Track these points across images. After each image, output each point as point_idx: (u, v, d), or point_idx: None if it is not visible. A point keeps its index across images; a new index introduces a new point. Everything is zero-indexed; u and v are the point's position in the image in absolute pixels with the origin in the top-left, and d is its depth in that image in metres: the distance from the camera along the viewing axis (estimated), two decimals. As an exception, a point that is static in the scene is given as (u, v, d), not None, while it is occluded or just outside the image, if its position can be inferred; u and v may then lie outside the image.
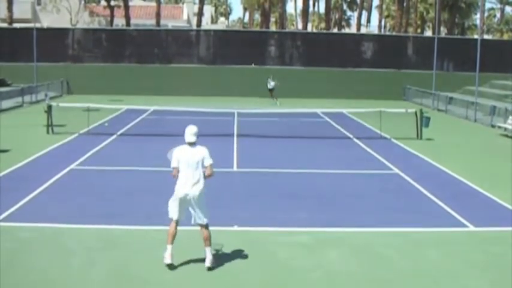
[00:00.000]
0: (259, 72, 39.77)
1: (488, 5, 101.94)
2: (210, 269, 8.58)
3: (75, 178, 14.66)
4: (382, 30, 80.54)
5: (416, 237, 10.54)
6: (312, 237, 10.33)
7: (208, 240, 8.72)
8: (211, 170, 8.80)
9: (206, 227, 8.76)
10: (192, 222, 8.78)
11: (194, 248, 9.58)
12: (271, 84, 35.11)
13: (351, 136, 22.51)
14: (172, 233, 8.74)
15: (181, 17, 67.43)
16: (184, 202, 8.71)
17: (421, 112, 22.36)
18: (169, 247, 8.68)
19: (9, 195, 12.45)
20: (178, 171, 8.73)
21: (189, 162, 8.65)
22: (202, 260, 8.92)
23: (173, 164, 8.76)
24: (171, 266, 8.62)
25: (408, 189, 14.22)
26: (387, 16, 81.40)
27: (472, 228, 11.09)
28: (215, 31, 47.71)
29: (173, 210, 8.85)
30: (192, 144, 8.75)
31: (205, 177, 8.77)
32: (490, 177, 15.65)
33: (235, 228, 10.70)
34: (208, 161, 8.76)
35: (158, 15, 51.79)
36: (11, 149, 17.98)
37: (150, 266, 8.78)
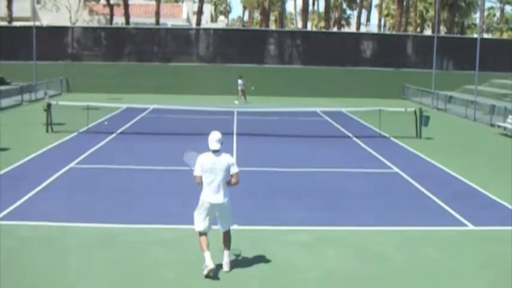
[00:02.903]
0: (259, 71, 39.81)
1: (487, 4, 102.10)
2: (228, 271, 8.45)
3: (74, 176, 14.66)
4: (382, 29, 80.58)
5: (415, 236, 10.55)
6: (311, 236, 10.33)
7: (228, 244, 8.60)
8: (236, 179, 8.55)
9: (228, 231, 8.66)
10: (218, 227, 8.66)
11: (194, 247, 9.59)
12: (241, 84, 34.59)
13: (350, 135, 22.52)
14: (204, 243, 8.51)
15: (180, 16, 67.36)
16: (211, 211, 8.52)
17: (421, 111, 22.36)
18: (206, 254, 8.38)
19: (9, 194, 12.44)
20: (201, 180, 8.48)
21: (214, 170, 8.39)
22: (202, 259, 8.92)
23: (196, 173, 8.50)
24: (213, 271, 8.30)
25: (407, 188, 14.22)
26: (387, 15, 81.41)
27: (471, 227, 11.09)
28: (215, 30, 47.71)
29: (199, 223, 8.63)
30: (216, 151, 8.44)
31: (229, 185, 8.57)
32: (489, 176, 15.66)
33: (235, 227, 10.66)
34: (235, 169, 8.52)
35: (158, 13, 51.73)
36: (10, 147, 17.97)
37: (149, 265, 8.78)
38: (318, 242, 10.08)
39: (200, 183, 8.50)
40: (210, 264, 8.27)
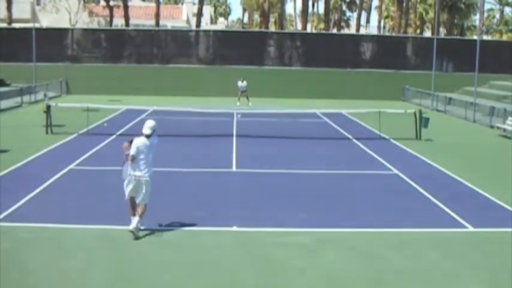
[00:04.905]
0: (259, 73, 39.80)
1: (487, 6, 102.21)
2: (131, 232, 9.93)
3: (74, 178, 14.66)
4: (382, 30, 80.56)
5: (415, 237, 10.55)
6: (310, 238, 10.33)
7: (142, 214, 10.18)
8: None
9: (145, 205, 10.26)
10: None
11: (193, 248, 9.60)
12: (242, 86, 34.37)
13: (350, 137, 22.51)
14: (133, 207, 10.33)
15: (180, 18, 67.43)
16: (137, 184, 10.19)
17: (420, 113, 22.37)
18: (134, 218, 10.14)
19: (9, 195, 12.44)
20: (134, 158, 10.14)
21: (144, 151, 10.19)
22: (201, 261, 8.95)
23: (132, 152, 10.13)
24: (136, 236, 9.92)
25: (407, 189, 14.22)
26: (386, 17, 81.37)
27: (471, 229, 11.09)
28: (214, 31, 47.72)
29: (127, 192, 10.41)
30: (148, 136, 10.25)
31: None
32: (489, 178, 15.66)
33: (235, 228, 10.70)
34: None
35: (157, 15, 51.77)
36: (10, 149, 17.97)
37: (149, 266, 8.78)
38: (318, 243, 10.08)
39: (133, 161, 10.11)
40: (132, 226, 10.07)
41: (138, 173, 10.15)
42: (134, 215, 10.19)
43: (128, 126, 23.95)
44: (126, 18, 51.66)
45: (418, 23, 72.13)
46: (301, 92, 38.98)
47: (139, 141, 10.20)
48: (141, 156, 10.15)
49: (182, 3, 74.07)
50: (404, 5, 58.68)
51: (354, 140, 21.71)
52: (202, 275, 8.51)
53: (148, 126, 10.29)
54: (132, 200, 10.30)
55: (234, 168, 16.32)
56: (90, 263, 8.90)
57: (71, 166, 15.85)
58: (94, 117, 24.04)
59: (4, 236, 9.95)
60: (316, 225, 11.08)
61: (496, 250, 9.97)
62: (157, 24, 51.55)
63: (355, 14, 80.00)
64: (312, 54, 42.32)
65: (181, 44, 42.62)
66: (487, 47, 38.92)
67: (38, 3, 58.26)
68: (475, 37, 56.96)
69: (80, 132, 21.73)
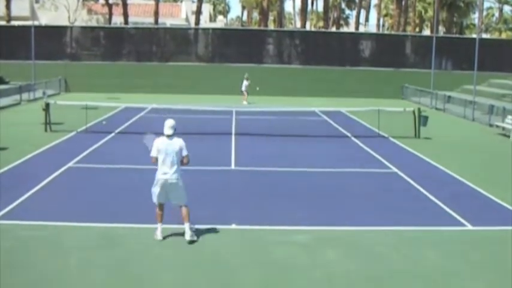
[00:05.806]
0: (258, 71, 39.77)
1: (486, 4, 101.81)
2: (190, 242, 9.61)
3: (73, 176, 14.65)
4: (381, 29, 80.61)
5: (414, 236, 10.54)
6: (310, 236, 10.32)
7: (187, 216, 9.78)
8: (187, 160, 9.95)
9: (185, 206, 9.88)
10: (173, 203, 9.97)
11: (192, 247, 9.60)
12: (246, 84, 34.22)
13: (349, 135, 22.51)
14: (159, 215, 9.91)
15: (179, 15, 67.32)
16: (164, 187, 9.77)
17: (419, 111, 22.36)
18: (159, 226, 9.87)
19: (8, 194, 12.43)
20: (157, 160, 9.83)
21: (167, 151, 9.76)
22: (201, 260, 8.94)
23: (152, 154, 9.87)
24: (160, 242, 9.74)
25: (406, 188, 14.22)
26: (386, 15, 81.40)
27: (470, 227, 11.09)
28: (213, 29, 47.69)
29: (155, 196, 9.95)
30: (169, 136, 9.83)
31: (182, 164, 9.95)
32: (488, 177, 15.67)
33: (234, 226, 10.70)
34: (185, 152, 9.90)
35: (156, 13, 51.72)
36: (9, 147, 17.95)
37: (150, 265, 8.77)
38: (318, 242, 10.06)
39: (156, 163, 9.86)
40: (158, 236, 9.81)
41: (164, 176, 9.70)
42: (161, 221, 9.86)
43: (126, 124, 23.94)
44: (125, 16, 51.60)
45: (417, 21, 72.12)
46: (300, 90, 38.99)
47: (159, 142, 9.82)
48: (165, 157, 9.71)
49: (181, 1, 73.95)
50: (403, 3, 58.63)
51: (353, 138, 21.71)
52: (202, 274, 8.51)
53: (168, 126, 9.83)
54: (161, 205, 9.89)
55: (232, 166, 16.31)
56: (90, 262, 8.89)
57: (70, 164, 15.84)
58: (93, 115, 24.01)
59: (4, 234, 9.94)
60: (316, 223, 11.07)
61: (495, 249, 9.97)
62: (156, 22, 51.50)
63: (354, 12, 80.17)
64: (311, 52, 42.33)
65: (180, 42, 42.63)
66: (486, 45, 38.93)
67: (37, 1, 58.11)
68: (474, 35, 56.90)
69: (79, 130, 21.71)
